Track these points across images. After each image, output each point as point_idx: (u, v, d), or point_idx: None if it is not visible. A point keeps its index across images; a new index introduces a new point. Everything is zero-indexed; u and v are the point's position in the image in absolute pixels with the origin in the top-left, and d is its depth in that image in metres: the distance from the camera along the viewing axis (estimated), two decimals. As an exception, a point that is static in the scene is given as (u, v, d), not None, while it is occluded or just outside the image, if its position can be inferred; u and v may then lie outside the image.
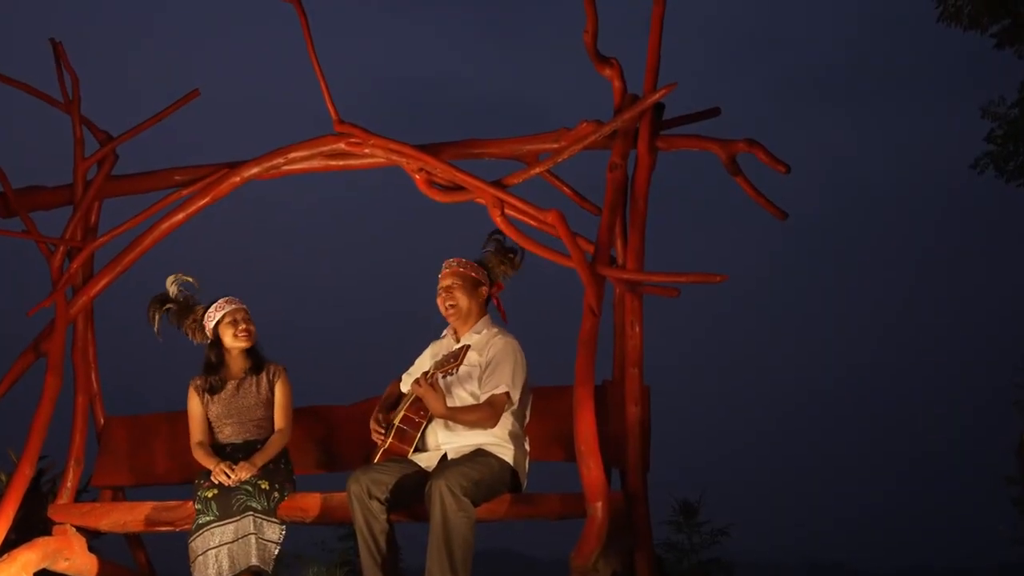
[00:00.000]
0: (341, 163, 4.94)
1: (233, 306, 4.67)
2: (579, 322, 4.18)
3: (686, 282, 4.09)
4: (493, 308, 4.53)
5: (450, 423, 4.23)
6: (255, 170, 4.96)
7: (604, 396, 4.38)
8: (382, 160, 4.83)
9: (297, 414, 4.73)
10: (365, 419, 4.47)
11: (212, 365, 4.68)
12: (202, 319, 4.71)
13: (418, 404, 4.25)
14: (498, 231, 4.53)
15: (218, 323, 4.66)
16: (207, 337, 4.71)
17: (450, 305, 4.39)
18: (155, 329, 4.77)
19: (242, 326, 4.64)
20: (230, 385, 4.64)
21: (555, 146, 4.66)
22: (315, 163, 4.96)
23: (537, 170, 4.66)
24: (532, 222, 4.54)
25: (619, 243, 4.51)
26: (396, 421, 4.28)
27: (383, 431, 4.33)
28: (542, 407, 4.49)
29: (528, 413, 4.40)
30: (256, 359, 4.70)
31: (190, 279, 4.82)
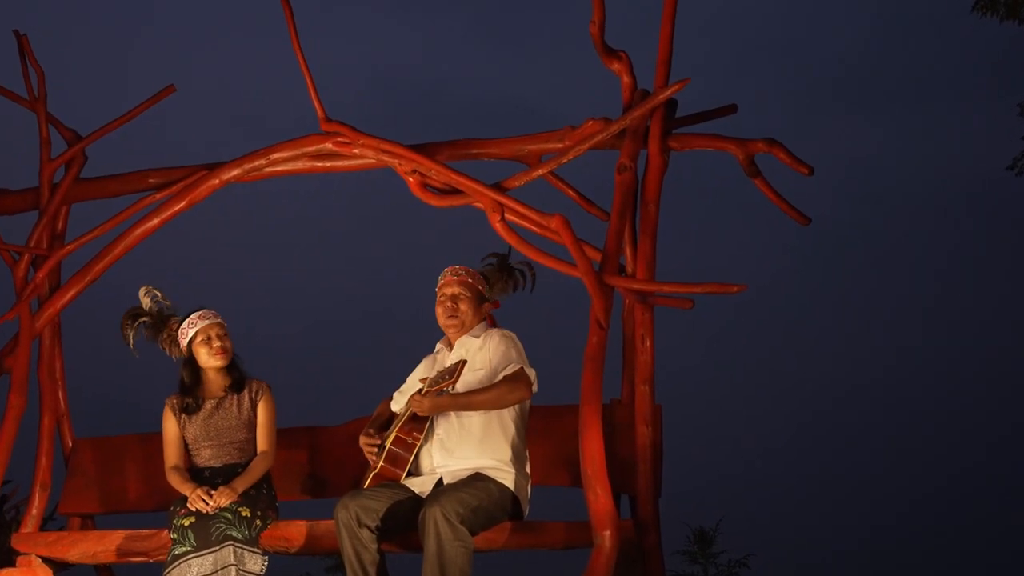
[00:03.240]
0: (328, 164, 4.93)
1: (207, 322, 4.59)
2: (585, 336, 4.14)
3: (701, 292, 4.05)
4: (484, 316, 4.52)
5: (446, 444, 4.19)
6: (235, 172, 4.94)
7: (612, 416, 4.35)
8: (372, 161, 4.82)
9: (280, 435, 4.66)
10: (353, 441, 4.42)
11: (187, 385, 4.62)
12: (176, 333, 4.64)
13: (411, 425, 4.21)
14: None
15: (191, 340, 4.59)
16: (183, 352, 4.65)
17: (453, 316, 4.34)
18: (130, 345, 4.72)
19: (217, 343, 4.57)
20: (208, 405, 4.57)
21: (559, 146, 4.64)
22: (300, 164, 4.94)
23: (540, 172, 4.63)
24: (535, 228, 4.52)
25: (628, 251, 4.49)
26: (387, 443, 4.24)
27: (377, 444, 4.27)
28: (545, 428, 4.46)
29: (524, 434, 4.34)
30: (236, 377, 4.62)
31: (158, 292, 4.75)
